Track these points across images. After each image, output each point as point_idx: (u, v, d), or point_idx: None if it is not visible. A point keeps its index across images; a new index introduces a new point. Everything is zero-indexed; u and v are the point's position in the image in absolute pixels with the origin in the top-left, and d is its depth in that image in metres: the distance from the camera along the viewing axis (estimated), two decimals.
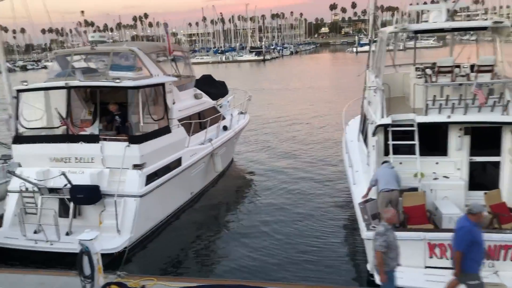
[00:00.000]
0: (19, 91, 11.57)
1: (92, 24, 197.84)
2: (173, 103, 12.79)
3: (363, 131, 12.24)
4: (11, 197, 11.29)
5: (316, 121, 26.87)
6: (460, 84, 10.14)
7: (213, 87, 17.32)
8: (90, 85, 11.23)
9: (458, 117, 9.68)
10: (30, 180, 10.66)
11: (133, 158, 10.78)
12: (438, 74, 10.61)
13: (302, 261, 9.95)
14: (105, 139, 10.96)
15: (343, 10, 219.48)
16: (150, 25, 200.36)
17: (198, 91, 15.14)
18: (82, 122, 12.89)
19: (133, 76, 11.60)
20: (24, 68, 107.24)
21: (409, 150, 9.85)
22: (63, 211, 10.92)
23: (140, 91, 11.13)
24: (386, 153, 10.01)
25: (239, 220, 12.59)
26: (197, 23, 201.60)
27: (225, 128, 16.10)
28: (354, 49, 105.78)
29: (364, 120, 12.14)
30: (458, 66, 11.28)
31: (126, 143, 10.77)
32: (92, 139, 10.99)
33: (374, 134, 10.18)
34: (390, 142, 9.85)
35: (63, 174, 10.33)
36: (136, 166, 10.86)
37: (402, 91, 12.18)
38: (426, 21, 12.15)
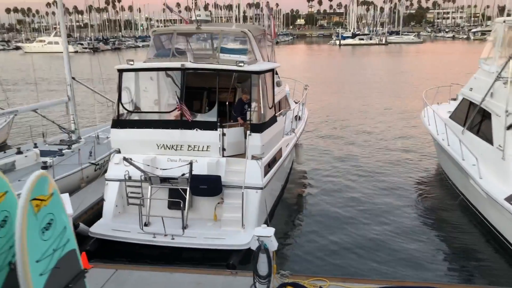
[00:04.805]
0: (121, 71, 10.57)
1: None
2: None
3: (473, 123, 11.93)
4: (111, 186, 10.37)
5: (368, 111, 27.10)
6: None
7: None
8: (211, 67, 10.35)
9: None
10: (144, 170, 9.79)
11: (254, 148, 10.06)
12: None
13: (442, 261, 9.59)
14: (223, 127, 10.19)
15: (320, 2, 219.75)
16: (123, 9, 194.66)
17: (278, 79, 14.42)
18: (169, 106, 12.03)
19: (247, 61, 10.80)
20: None
21: None
22: (172, 203, 10.13)
23: (260, 76, 10.39)
24: None
25: (340, 213, 12.02)
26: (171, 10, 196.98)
27: (297, 118, 15.48)
28: (337, 42, 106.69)
29: (476, 112, 11.77)
30: None
31: (248, 132, 10.05)
32: (209, 126, 10.17)
33: (510, 127, 9.97)
34: None
35: (190, 163, 9.51)
36: (255, 156, 10.16)
37: None
38: None
